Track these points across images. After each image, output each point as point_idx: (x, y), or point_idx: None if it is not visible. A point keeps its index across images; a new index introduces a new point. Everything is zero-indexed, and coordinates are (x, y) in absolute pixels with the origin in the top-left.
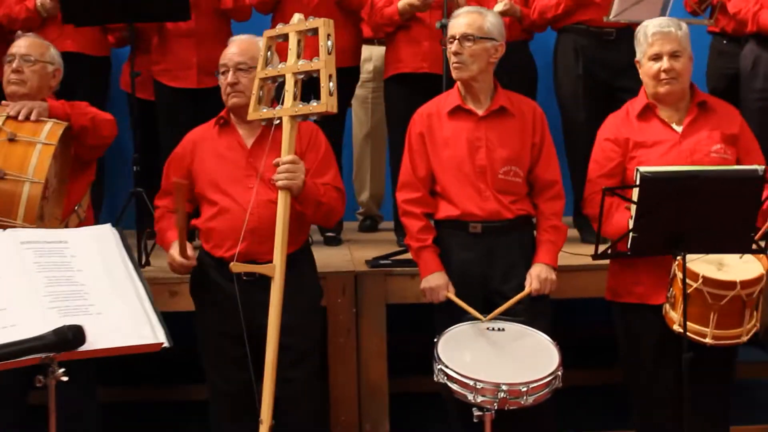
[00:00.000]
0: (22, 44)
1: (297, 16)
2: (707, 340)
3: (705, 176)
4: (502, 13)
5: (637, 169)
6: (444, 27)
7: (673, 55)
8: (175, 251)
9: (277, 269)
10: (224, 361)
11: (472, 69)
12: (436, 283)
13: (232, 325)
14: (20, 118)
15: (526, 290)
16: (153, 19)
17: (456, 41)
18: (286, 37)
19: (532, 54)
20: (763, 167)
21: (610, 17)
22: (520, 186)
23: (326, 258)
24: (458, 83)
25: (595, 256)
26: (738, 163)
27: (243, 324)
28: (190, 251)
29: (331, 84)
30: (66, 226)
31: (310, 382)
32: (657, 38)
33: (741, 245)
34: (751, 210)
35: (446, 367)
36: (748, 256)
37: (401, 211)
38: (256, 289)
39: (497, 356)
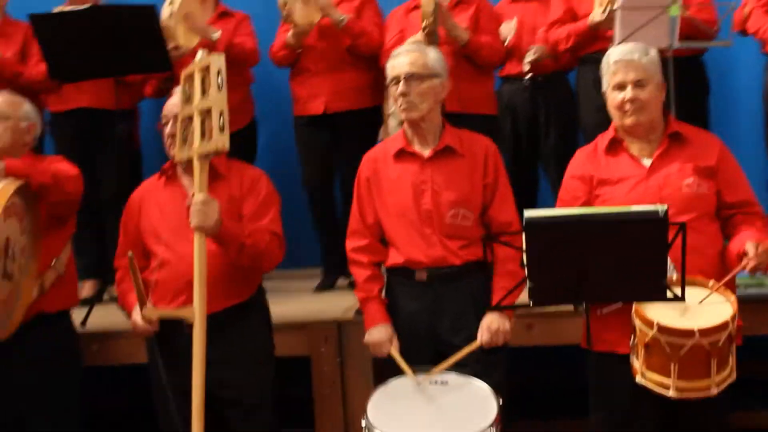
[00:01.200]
0: None
1: (200, 53)
2: (670, 393)
3: (595, 220)
4: (533, 61)
5: (523, 214)
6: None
7: (638, 84)
8: (137, 316)
9: (196, 312)
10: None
11: (422, 108)
12: (378, 337)
13: (180, 379)
14: None
15: (476, 343)
16: (136, 72)
17: (402, 81)
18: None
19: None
20: (665, 207)
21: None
22: (470, 230)
23: (312, 304)
24: (405, 124)
25: (491, 308)
26: (719, 196)
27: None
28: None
29: (221, 120)
30: (42, 282)
31: None
32: (620, 66)
33: (652, 293)
34: (657, 254)
35: (369, 421)
36: (720, 299)
37: (349, 260)
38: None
39: (430, 413)
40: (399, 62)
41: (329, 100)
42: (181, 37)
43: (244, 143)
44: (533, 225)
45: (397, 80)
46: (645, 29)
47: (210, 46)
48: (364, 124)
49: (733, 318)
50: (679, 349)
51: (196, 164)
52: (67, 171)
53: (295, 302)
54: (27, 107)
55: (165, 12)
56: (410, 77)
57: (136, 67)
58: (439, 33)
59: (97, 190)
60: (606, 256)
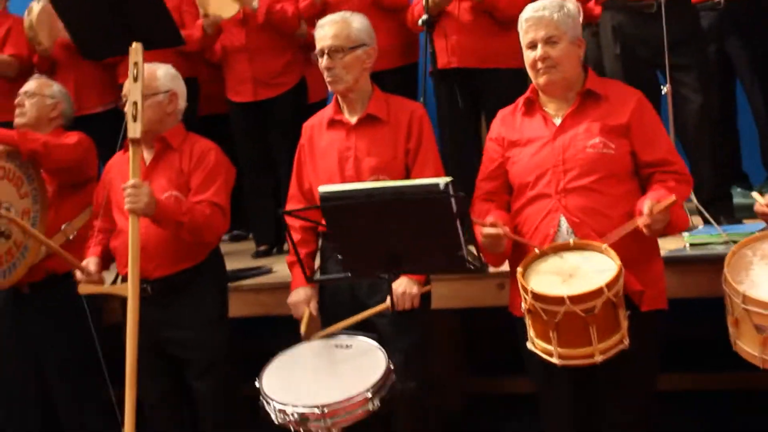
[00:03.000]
0: (29, 83)
1: (135, 45)
2: (554, 360)
3: (378, 194)
4: None
5: (320, 189)
6: (425, 23)
7: (549, 41)
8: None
9: (129, 288)
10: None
11: (348, 80)
12: (295, 298)
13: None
14: None
15: (382, 305)
16: (150, 47)
17: (326, 55)
18: None
19: None
20: (446, 180)
21: None
22: None
23: None
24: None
25: (310, 279)
26: (636, 155)
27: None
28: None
29: (134, 110)
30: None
31: (216, 393)
32: (530, 24)
33: (452, 264)
34: (447, 227)
35: (260, 384)
36: (608, 264)
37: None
38: (152, 306)
39: (322, 375)
40: (322, 34)
41: None
42: (211, 6)
43: (293, 104)
44: (326, 199)
45: (322, 53)
46: None
47: (250, 14)
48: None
49: (610, 284)
50: (554, 316)
51: (130, 149)
52: (61, 140)
53: None
54: (55, 87)
55: None
56: (334, 50)
57: (149, 43)
58: None
59: None
60: (402, 230)
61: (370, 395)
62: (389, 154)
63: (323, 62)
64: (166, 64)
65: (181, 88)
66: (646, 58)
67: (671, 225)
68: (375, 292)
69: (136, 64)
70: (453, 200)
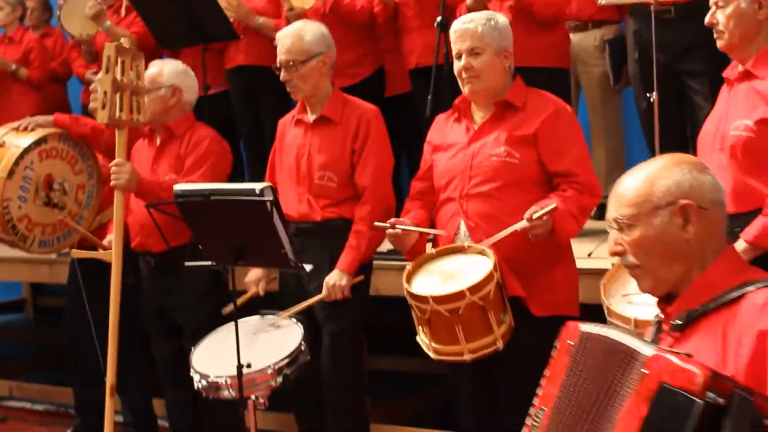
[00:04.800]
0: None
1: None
2: (431, 354)
3: (214, 194)
4: None
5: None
6: (440, 26)
7: (472, 52)
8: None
9: (114, 255)
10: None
11: (305, 90)
12: (248, 278)
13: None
14: (20, 129)
15: (317, 297)
16: (208, 41)
17: (282, 69)
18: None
19: None
20: (263, 186)
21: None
22: (335, 191)
23: None
24: None
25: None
26: (543, 165)
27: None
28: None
29: (104, 99)
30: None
31: None
32: (457, 35)
33: (279, 261)
34: (269, 227)
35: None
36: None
37: None
38: (155, 276)
39: (245, 350)
40: (279, 48)
41: None
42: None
43: (368, 94)
44: (177, 196)
45: (279, 66)
46: None
47: (320, 8)
48: None
49: (473, 288)
50: (425, 314)
51: (116, 132)
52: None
53: None
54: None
55: None
56: (288, 65)
57: (208, 36)
58: None
59: None
60: (239, 227)
61: (270, 372)
62: (337, 153)
63: (282, 75)
64: (177, 62)
65: (187, 83)
66: (663, 64)
67: (556, 231)
68: (313, 279)
69: (108, 58)
70: (269, 204)
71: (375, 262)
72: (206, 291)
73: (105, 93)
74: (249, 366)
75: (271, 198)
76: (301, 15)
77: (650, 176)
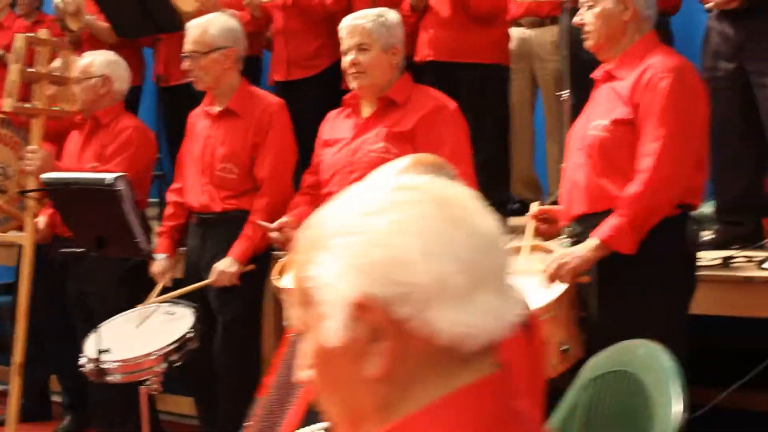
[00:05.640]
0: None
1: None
2: None
3: (71, 183)
4: None
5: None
6: None
7: (360, 49)
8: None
9: (27, 239)
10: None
11: (207, 81)
12: (153, 269)
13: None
14: None
15: (205, 281)
16: (150, 33)
17: (188, 57)
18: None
19: None
20: (115, 176)
21: None
22: (235, 183)
23: None
24: None
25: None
26: None
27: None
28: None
29: (12, 87)
30: None
31: None
32: (346, 31)
33: (134, 250)
34: (121, 217)
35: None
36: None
37: None
38: (77, 260)
39: (137, 336)
40: (185, 38)
41: None
42: None
43: (325, 86)
44: (46, 184)
45: (186, 54)
46: None
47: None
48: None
49: None
50: None
51: (33, 120)
52: None
53: None
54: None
55: None
56: (191, 55)
57: (159, 27)
58: None
59: None
60: (98, 216)
61: (154, 357)
62: (238, 145)
63: (184, 63)
64: (108, 52)
65: (117, 73)
66: (726, 56)
67: None
68: (210, 268)
69: (18, 48)
70: (122, 193)
71: None
72: (120, 278)
73: (12, 82)
74: (108, 351)
75: (121, 188)
76: (259, 5)
77: None
